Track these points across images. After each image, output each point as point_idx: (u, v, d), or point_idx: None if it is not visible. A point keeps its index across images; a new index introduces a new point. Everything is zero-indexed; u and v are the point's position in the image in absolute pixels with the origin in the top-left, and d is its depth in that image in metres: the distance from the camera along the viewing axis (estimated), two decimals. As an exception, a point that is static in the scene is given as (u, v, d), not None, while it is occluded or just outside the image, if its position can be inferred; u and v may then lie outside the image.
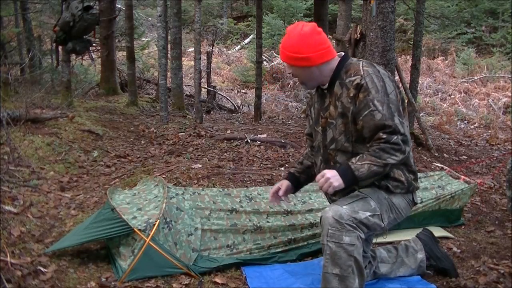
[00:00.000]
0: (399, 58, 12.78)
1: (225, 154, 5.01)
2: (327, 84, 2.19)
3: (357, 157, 2.07)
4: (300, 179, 2.49)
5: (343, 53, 2.22)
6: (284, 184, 2.45)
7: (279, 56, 14.73)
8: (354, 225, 2.03)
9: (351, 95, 2.08)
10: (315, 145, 2.35)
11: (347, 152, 2.16)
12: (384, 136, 2.02)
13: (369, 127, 2.05)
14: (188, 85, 11.24)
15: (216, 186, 3.77)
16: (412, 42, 7.17)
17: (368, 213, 2.07)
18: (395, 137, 2.01)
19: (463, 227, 3.43)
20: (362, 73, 2.09)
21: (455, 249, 2.99)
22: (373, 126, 2.04)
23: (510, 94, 10.98)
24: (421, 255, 2.54)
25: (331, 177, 2.02)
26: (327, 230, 2.03)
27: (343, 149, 2.17)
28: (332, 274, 2.06)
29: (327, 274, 2.07)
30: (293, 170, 2.51)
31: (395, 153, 2.02)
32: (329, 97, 2.20)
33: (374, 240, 2.52)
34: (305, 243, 2.84)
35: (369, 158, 2.03)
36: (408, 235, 2.89)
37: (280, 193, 2.43)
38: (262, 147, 5.26)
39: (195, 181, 3.86)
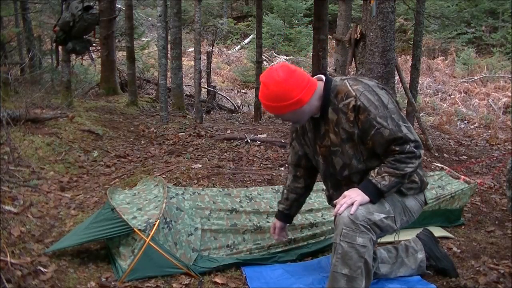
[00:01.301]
0: (399, 58, 12.78)
1: (225, 154, 5.01)
2: (319, 113, 2.14)
3: (375, 171, 2.07)
4: (290, 214, 2.56)
5: (322, 76, 2.15)
6: (277, 225, 2.56)
7: (279, 56, 14.76)
8: (368, 227, 2.03)
9: (351, 119, 2.05)
10: (320, 174, 2.35)
11: (361, 171, 2.16)
12: (398, 148, 2.03)
13: (380, 144, 2.06)
14: (188, 85, 11.23)
15: (216, 186, 3.77)
16: (412, 42, 7.17)
17: (383, 215, 2.07)
18: (408, 146, 2.03)
19: (463, 227, 3.43)
20: (354, 94, 2.04)
21: (455, 249, 2.99)
22: (384, 142, 2.04)
23: (510, 94, 10.98)
24: (421, 255, 2.54)
25: (353, 192, 2.05)
26: (341, 229, 2.02)
27: (356, 171, 2.16)
28: (341, 274, 2.05)
29: (335, 273, 2.07)
30: (281, 208, 2.54)
31: (411, 161, 2.04)
32: (324, 124, 2.15)
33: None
34: (305, 243, 2.84)
35: (386, 170, 2.04)
36: (408, 235, 2.89)
37: (275, 237, 2.58)
38: (262, 147, 5.26)
39: (195, 181, 3.86)
